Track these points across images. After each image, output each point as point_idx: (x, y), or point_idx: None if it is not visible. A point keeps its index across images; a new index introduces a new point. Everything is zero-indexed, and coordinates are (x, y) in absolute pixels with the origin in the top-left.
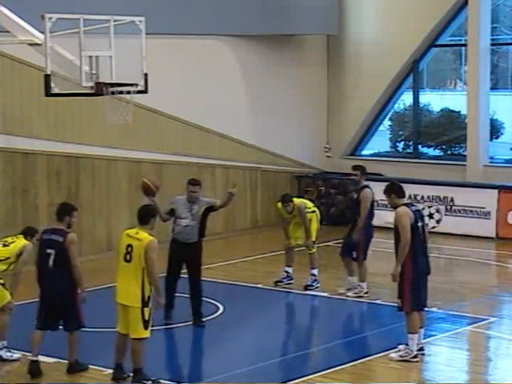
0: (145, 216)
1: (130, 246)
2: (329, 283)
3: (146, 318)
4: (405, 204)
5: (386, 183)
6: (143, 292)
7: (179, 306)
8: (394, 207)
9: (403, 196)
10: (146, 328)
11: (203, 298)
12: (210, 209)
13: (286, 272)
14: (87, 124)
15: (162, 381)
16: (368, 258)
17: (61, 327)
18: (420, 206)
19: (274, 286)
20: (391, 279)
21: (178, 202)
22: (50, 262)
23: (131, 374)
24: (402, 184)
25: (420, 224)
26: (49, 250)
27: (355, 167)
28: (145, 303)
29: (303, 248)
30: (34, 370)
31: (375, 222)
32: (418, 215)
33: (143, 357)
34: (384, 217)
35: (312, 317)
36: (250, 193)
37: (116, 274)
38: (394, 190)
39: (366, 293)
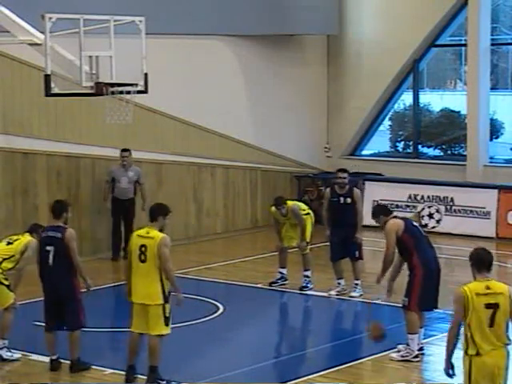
0: (154, 213)
1: (143, 246)
2: (328, 283)
3: (167, 314)
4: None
5: (385, 183)
6: (163, 288)
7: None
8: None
9: (390, 213)
10: (166, 324)
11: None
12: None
13: (281, 273)
14: (87, 124)
15: (161, 381)
16: (368, 258)
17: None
18: (420, 206)
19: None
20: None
21: (114, 170)
22: (50, 259)
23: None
24: (401, 184)
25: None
26: (48, 247)
27: (343, 170)
28: (166, 299)
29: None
30: (56, 367)
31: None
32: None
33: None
34: None
35: (312, 317)
36: (250, 193)
37: (130, 275)
38: (381, 210)
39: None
